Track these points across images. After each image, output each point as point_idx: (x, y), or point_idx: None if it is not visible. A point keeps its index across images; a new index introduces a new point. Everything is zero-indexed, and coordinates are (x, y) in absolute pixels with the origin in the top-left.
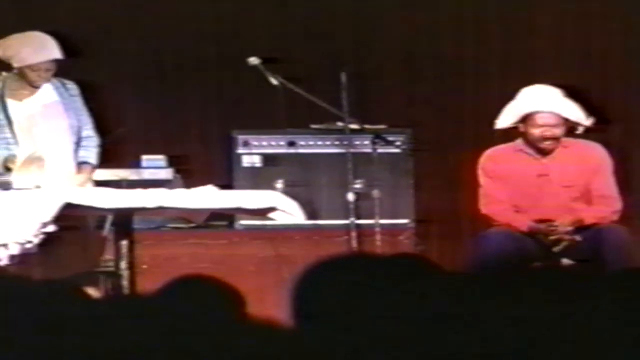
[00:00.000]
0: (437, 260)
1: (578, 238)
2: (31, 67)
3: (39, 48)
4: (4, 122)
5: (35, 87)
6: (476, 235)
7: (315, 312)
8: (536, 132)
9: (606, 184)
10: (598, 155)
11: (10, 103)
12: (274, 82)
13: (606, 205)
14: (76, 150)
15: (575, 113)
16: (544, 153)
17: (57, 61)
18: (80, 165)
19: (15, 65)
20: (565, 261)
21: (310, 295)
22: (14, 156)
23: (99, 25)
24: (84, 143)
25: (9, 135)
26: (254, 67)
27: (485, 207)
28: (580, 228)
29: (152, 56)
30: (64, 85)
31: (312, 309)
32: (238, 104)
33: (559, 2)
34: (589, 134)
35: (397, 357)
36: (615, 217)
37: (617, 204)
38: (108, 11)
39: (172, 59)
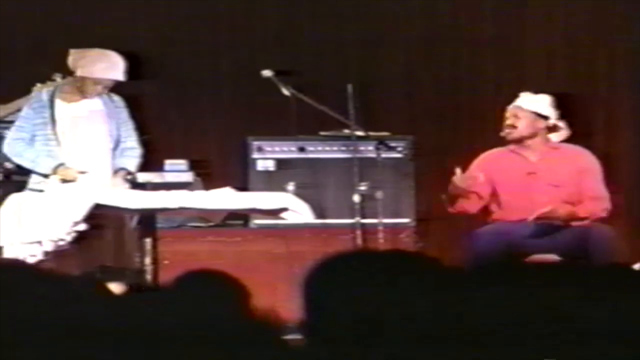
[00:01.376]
0: (435, 256)
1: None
2: (94, 80)
3: (111, 66)
4: (49, 120)
5: (86, 97)
6: (468, 232)
7: (322, 303)
8: (504, 123)
9: (597, 186)
10: (586, 159)
11: (58, 103)
12: (286, 92)
13: (596, 205)
14: (115, 157)
15: (537, 106)
16: (514, 143)
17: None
18: (118, 170)
19: (79, 73)
20: (553, 256)
21: (318, 287)
22: (63, 165)
23: (124, 42)
24: (126, 152)
25: (49, 132)
26: (267, 79)
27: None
28: (569, 223)
29: (174, 71)
30: (110, 97)
31: (320, 300)
32: (253, 112)
33: (548, 19)
34: (578, 140)
35: (399, 341)
36: (604, 214)
37: (607, 203)
38: (133, 28)
39: (192, 72)
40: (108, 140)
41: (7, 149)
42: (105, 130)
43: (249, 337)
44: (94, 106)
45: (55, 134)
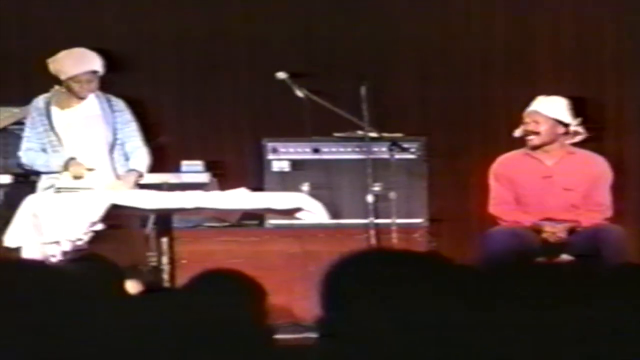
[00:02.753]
0: (447, 256)
1: (564, 235)
2: (73, 79)
3: (79, 61)
4: (48, 126)
5: (81, 98)
6: (483, 233)
7: (338, 301)
8: (523, 127)
9: (603, 193)
10: (600, 166)
11: (54, 110)
12: (300, 94)
13: (599, 212)
14: (115, 161)
15: (558, 112)
16: (533, 149)
17: (96, 74)
18: (129, 171)
19: (62, 77)
20: (565, 257)
21: (334, 286)
22: (74, 159)
23: (142, 45)
24: (135, 153)
25: (53, 138)
26: (282, 81)
27: (493, 207)
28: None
29: (190, 73)
30: (108, 100)
31: (336, 299)
32: (268, 114)
33: (558, 23)
34: (589, 142)
35: (411, 338)
36: (604, 222)
37: (608, 212)
38: (150, 32)
39: (209, 74)
40: (103, 144)
41: (23, 160)
42: (101, 135)
43: (263, 336)
44: (90, 111)
45: (58, 137)
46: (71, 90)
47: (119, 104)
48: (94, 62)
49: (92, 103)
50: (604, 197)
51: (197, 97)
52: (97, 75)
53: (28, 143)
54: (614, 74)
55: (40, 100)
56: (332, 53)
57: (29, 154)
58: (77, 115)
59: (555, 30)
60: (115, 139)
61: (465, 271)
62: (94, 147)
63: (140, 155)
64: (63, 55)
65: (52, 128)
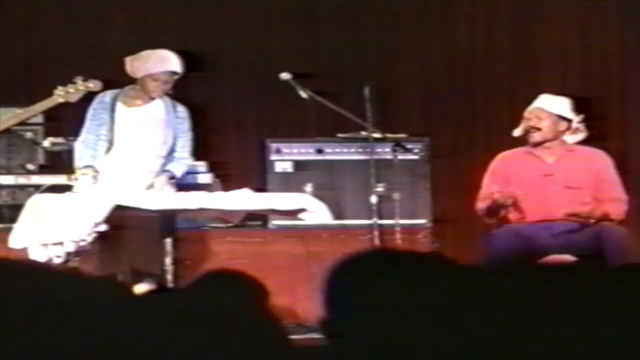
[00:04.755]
0: (451, 256)
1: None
2: (152, 76)
3: (162, 60)
4: (108, 119)
5: (151, 98)
6: (486, 233)
7: (342, 303)
8: (524, 124)
9: (615, 189)
10: (602, 161)
11: (119, 106)
12: (304, 95)
13: (616, 206)
14: (165, 163)
15: (561, 109)
16: (534, 145)
17: (175, 75)
18: (163, 172)
19: (139, 75)
20: (568, 257)
21: (337, 287)
22: (91, 167)
23: (145, 46)
24: (176, 160)
25: (103, 132)
26: (286, 82)
27: (479, 202)
28: (585, 226)
29: (194, 73)
30: (174, 106)
31: (339, 299)
32: (271, 115)
33: (562, 24)
34: (592, 142)
35: (418, 340)
36: (623, 217)
37: (625, 205)
38: (154, 32)
39: (213, 75)
40: (160, 147)
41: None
42: (159, 138)
43: (269, 337)
44: (155, 113)
45: (107, 135)
46: (145, 88)
47: (184, 112)
48: (175, 64)
49: (158, 106)
50: (617, 192)
51: (200, 98)
52: (175, 77)
53: (86, 134)
54: (619, 74)
55: (107, 95)
56: (336, 54)
57: (80, 145)
58: (141, 115)
59: (560, 30)
60: (174, 144)
61: (468, 272)
62: (149, 148)
63: (183, 164)
64: (146, 53)
65: (110, 124)
